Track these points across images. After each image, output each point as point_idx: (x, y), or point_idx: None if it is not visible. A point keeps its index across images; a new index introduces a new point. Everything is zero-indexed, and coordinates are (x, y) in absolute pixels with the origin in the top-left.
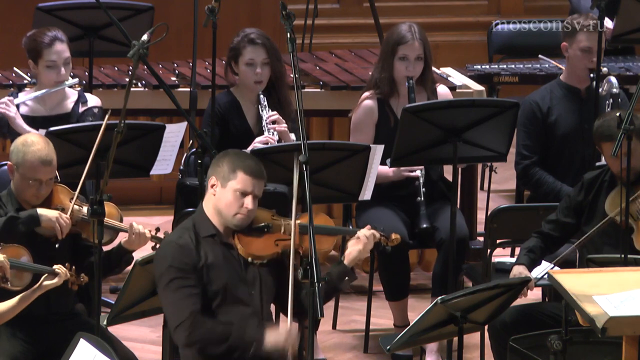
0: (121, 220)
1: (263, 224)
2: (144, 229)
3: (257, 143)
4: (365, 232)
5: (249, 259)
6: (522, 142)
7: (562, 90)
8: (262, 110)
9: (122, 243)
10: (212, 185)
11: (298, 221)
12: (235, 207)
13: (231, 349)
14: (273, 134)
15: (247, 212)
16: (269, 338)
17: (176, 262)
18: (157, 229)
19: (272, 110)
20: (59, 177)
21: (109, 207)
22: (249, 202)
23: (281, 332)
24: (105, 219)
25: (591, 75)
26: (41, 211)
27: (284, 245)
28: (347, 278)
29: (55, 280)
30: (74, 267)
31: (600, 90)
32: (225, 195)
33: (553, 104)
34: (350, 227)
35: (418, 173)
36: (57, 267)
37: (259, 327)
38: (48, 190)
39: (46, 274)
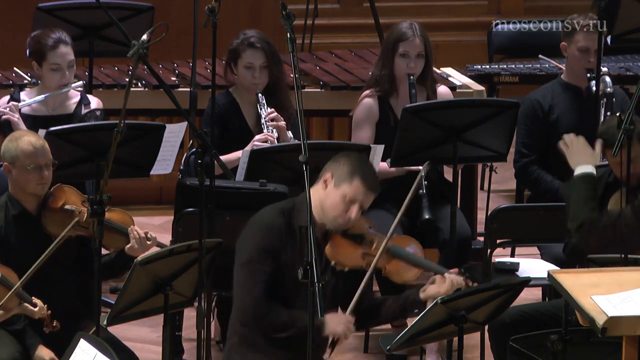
0: None
1: (358, 233)
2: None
3: (257, 141)
4: (453, 277)
5: (333, 262)
6: (522, 140)
7: (564, 88)
8: (260, 109)
9: (127, 250)
10: (325, 180)
11: (391, 243)
12: (340, 211)
13: (294, 333)
14: (272, 131)
15: (349, 220)
16: (328, 323)
17: (261, 244)
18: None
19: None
20: (56, 162)
21: (124, 215)
22: (354, 210)
23: (340, 319)
24: (121, 225)
25: (588, 75)
26: None
27: (370, 262)
28: (416, 310)
29: (33, 310)
30: (49, 312)
31: (594, 89)
32: (334, 196)
33: (554, 102)
34: (439, 265)
35: (420, 166)
36: (39, 303)
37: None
38: (49, 175)
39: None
